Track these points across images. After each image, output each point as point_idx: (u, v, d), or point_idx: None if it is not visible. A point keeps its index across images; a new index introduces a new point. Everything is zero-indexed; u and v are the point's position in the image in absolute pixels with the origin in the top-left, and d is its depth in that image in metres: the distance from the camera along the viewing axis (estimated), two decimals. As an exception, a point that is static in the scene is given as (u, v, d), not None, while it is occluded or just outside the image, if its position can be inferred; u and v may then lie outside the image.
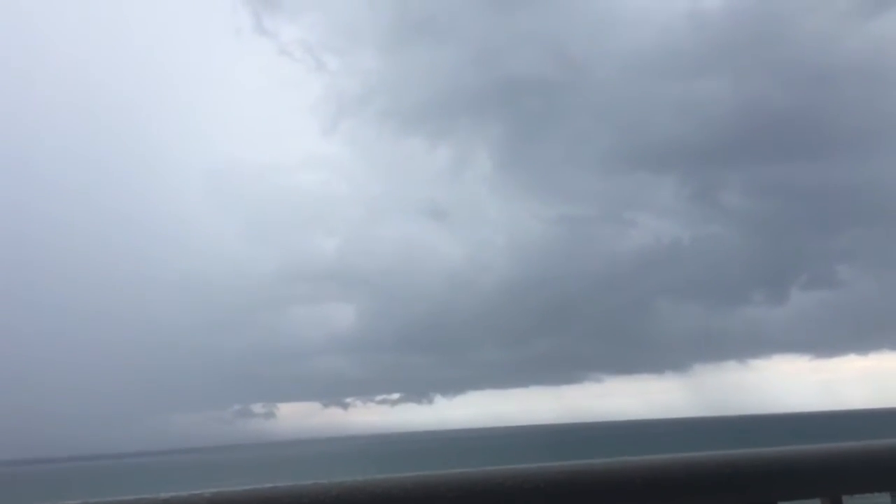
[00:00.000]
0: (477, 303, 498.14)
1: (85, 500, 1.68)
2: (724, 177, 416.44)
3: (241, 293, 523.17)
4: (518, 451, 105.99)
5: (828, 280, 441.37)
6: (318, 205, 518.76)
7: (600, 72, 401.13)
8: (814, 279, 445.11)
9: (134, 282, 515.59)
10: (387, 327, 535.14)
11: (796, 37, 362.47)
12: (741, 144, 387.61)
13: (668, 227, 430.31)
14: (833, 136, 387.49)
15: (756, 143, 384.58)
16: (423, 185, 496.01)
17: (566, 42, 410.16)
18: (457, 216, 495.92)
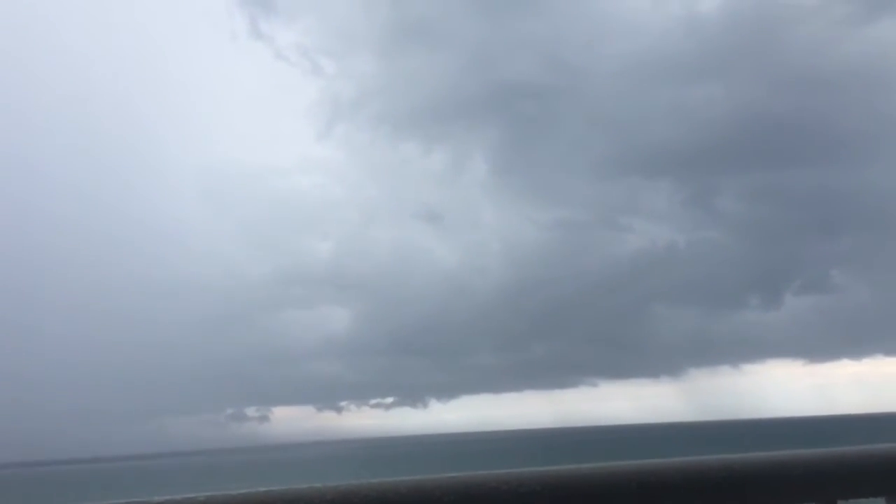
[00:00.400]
0: (472, 307, 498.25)
1: None
2: (719, 182, 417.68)
3: (235, 295, 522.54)
4: (513, 456, 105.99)
5: (822, 285, 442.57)
6: (312, 208, 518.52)
7: (595, 77, 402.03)
8: (808, 284, 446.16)
9: (125, 282, 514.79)
10: (381, 331, 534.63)
11: (791, 42, 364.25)
12: (736, 149, 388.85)
13: (663, 231, 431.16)
14: (828, 141, 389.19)
15: (751, 149, 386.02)
16: (418, 189, 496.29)
17: (561, 47, 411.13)
18: (452, 220, 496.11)
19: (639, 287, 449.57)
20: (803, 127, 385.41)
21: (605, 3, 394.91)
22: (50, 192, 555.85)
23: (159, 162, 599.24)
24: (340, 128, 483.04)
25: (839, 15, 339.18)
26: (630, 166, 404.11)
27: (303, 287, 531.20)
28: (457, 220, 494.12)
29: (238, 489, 1.80)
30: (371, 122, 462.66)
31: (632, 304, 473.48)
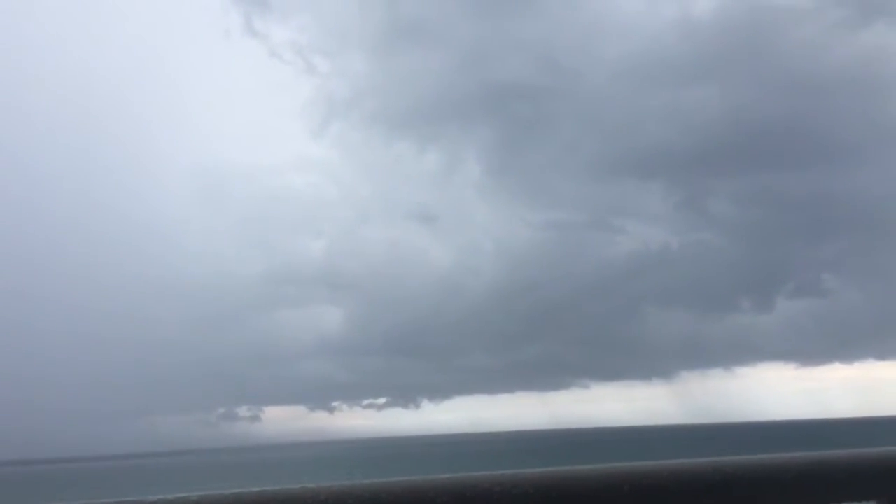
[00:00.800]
0: (465, 307, 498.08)
1: None
2: (712, 184, 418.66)
3: (228, 294, 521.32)
4: (505, 457, 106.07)
5: (814, 289, 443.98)
6: (306, 207, 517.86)
7: (589, 78, 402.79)
8: (800, 288, 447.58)
9: (117, 281, 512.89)
10: (374, 331, 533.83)
11: (785, 46, 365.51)
12: (729, 152, 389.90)
13: (655, 233, 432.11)
14: (821, 145, 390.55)
15: (744, 152, 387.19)
16: (412, 189, 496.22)
17: (556, 49, 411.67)
18: (445, 220, 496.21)
19: (631, 289, 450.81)
20: (796, 131, 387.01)
21: (600, 5, 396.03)
22: (41, 191, 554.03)
23: (151, 160, 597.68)
24: (334, 127, 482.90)
25: (833, 19, 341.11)
26: (624, 168, 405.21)
27: (295, 286, 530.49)
28: (450, 220, 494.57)
29: (230, 489, 1.80)
30: (365, 121, 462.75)
31: (624, 306, 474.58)
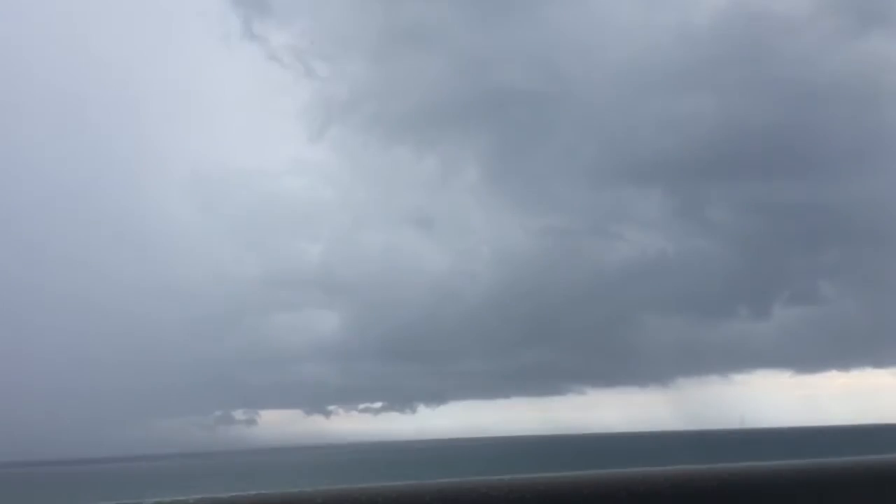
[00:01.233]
0: (461, 312, 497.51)
1: None
2: (709, 192, 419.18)
3: (224, 298, 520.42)
4: (501, 462, 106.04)
5: (810, 296, 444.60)
6: (303, 211, 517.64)
7: (588, 85, 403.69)
8: (796, 295, 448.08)
9: (111, 283, 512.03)
10: (370, 335, 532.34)
11: (782, 55, 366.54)
12: (727, 160, 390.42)
13: (653, 240, 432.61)
14: (818, 154, 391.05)
15: (741, 160, 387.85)
16: (410, 194, 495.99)
17: (554, 55, 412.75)
18: (442, 225, 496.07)
19: (628, 295, 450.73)
20: (794, 139, 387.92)
21: (599, 12, 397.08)
22: (35, 193, 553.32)
23: (147, 163, 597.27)
24: (332, 131, 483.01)
25: (830, 28, 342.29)
26: (621, 175, 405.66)
27: (291, 290, 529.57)
28: (447, 225, 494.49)
29: (227, 492, 1.79)
30: (363, 125, 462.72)
31: (621, 312, 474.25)
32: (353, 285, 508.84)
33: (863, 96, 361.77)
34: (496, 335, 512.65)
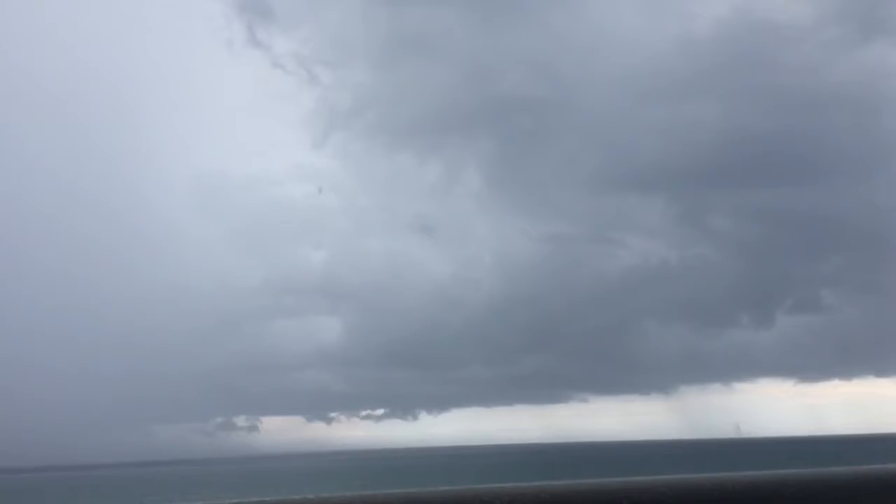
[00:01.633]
0: (463, 319, 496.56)
1: None
2: (712, 200, 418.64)
3: (227, 304, 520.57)
4: (503, 470, 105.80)
5: (813, 305, 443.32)
6: (306, 217, 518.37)
7: (590, 92, 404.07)
8: (799, 303, 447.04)
9: (114, 288, 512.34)
10: (372, 342, 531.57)
11: (785, 64, 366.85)
12: (729, 168, 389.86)
13: (655, 247, 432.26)
14: (820, 162, 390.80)
15: (744, 168, 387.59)
16: (412, 200, 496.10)
17: (556, 62, 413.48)
18: (445, 232, 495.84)
19: (630, 303, 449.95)
20: (796, 147, 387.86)
21: (601, 20, 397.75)
22: (35, 200, 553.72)
23: (149, 169, 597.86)
24: (335, 137, 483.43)
25: (832, 37, 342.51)
26: (623, 182, 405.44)
27: (294, 296, 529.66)
28: (450, 232, 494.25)
29: (228, 499, 1.80)
30: (366, 132, 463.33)
31: (623, 320, 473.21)
32: (356, 292, 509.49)
33: (865, 105, 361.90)
34: (498, 342, 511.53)
